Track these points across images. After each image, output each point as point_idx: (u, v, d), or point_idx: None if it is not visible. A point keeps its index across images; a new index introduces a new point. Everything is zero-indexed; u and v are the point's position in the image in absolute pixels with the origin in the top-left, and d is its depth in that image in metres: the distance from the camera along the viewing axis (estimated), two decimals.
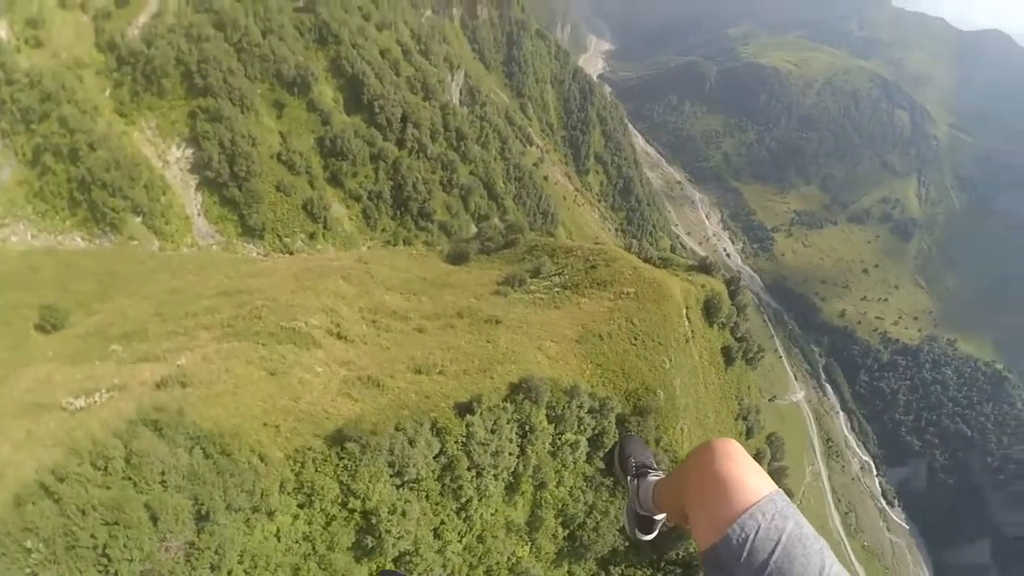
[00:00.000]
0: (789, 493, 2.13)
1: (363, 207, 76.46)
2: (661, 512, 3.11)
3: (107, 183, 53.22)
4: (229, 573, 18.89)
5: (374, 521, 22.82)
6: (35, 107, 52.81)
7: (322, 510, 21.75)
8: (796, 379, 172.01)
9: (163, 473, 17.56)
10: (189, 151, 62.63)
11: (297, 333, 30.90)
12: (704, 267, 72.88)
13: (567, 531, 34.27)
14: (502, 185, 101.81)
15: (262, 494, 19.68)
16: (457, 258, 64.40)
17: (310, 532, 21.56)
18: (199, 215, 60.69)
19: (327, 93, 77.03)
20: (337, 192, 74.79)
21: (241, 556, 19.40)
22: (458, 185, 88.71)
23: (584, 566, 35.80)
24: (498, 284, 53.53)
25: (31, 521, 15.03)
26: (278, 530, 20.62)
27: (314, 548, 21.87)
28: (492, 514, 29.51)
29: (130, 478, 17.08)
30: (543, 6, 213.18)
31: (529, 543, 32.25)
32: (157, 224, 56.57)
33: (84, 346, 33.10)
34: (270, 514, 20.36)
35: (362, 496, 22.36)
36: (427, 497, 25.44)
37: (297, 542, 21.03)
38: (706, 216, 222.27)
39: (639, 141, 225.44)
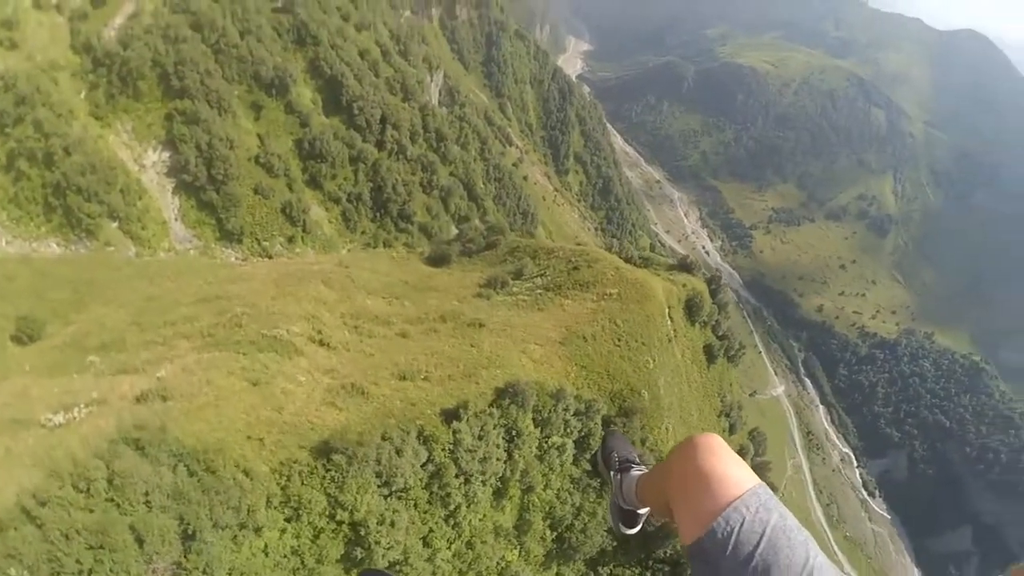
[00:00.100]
0: (772, 487, 2.17)
1: (342, 209, 75.89)
2: (644, 506, 3.14)
3: (83, 188, 52.19)
4: None
5: (363, 532, 22.59)
6: (9, 111, 51.65)
7: (310, 523, 21.45)
8: (776, 374, 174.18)
9: (147, 493, 17.19)
10: (166, 154, 61.57)
11: (278, 341, 30.49)
12: (685, 266, 73.40)
13: (555, 533, 34.26)
14: (482, 186, 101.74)
15: (249, 510, 19.36)
16: (438, 260, 64.14)
17: (298, 546, 21.26)
18: (176, 219, 59.72)
19: (305, 95, 76.30)
20: (316, 195, 74.14)
21: (229, 574, 19.10)
22: (438, 186, 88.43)
23: (573, 567, 35.82)
24: (480, 286, 53.38)
25: (14, 547, 14.63)
26: (266, 546, 20.31)
27: (303, 562, 21.57)
28: (480, 520, 29.41)
29: (113, 500, 16.71)
30: (522, 7, 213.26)
31: (518, 547, 32.20)
32: (134, 229, 55.57)
33: (61, 358, 32.40)
34: (257, 530, 20.04)
35: (350, 508, 22.11)
36: (415, 506, 25.25)
37: (285, 557, 20.73)
38: (685, 214, 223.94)
39: (618, 141, 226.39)
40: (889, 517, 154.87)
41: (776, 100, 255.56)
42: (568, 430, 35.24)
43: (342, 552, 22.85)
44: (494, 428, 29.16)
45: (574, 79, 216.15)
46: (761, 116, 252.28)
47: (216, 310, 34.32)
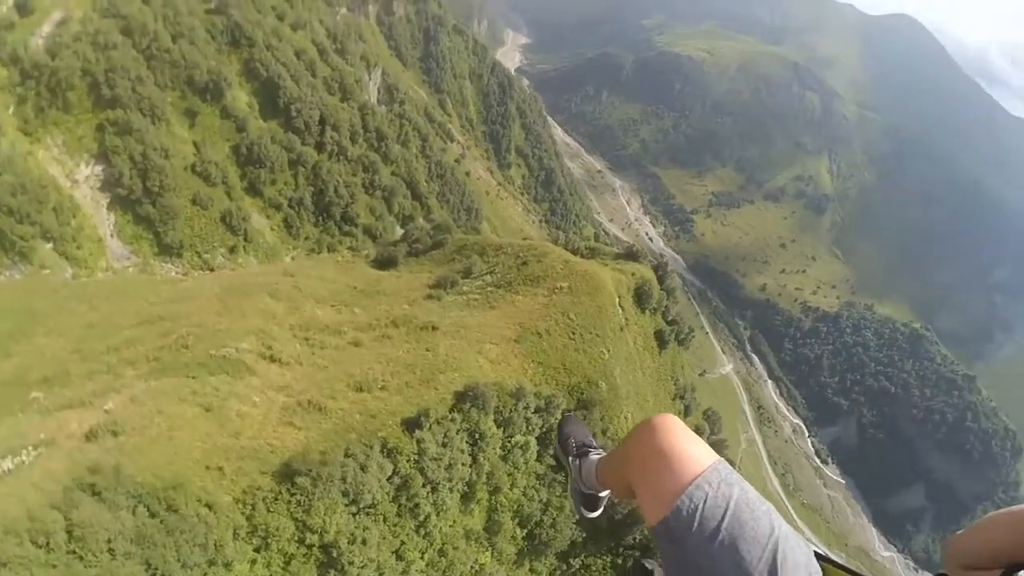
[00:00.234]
0: (730, 462, 2.24)
1: (284, 216, 74.14)
2: (605, 489, 3.16)
3: (14, 209, 49.37)
4: None
5: (335, 554, 22.20)
6: None
7: (280, 551, 20.93)
8: (724, 353, 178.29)
9: (109, 541, 16.39)
10: (98, 168, 58.73)
11: (228, 361, 29.55)
12: (631, 254, 74.48)
13: (525, 531, 34.52)
14: (425, 184, 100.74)
15: (216, 545, 18.75)
16: (385, 263, 63.31)
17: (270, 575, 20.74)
18: (112, 236, 57.07)
19: (241, 98, 74.02)
20: (256, 202, 72.20)
21: None
22: (381, 187, 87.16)
23: (545, 562, 36.18)
24: (430, 287, 52.97)
25: None
26: None
27: None
28: (451, 526, 29.33)
29: (75, 552, 15.87)
30: (460, 1, 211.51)
31: (490, 548, 32.29)
32: (69, 249, 52.91)
33: (2, 395, 30.60)
34: (227, 565, 19.45)
35: (319, 530, 21.67)
36: (385, 520, 24.96)
37: None
38: (627, 202, 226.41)
39: (558, 132, 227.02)
40: (843, 482, 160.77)
41: (713, 87, 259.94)
42: (530, 428, 35.47)
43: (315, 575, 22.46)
44: (457, 433, 29.09)
45: (513, 72, 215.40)
46: (699, 103, 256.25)
47: (160, 332, 32.99)
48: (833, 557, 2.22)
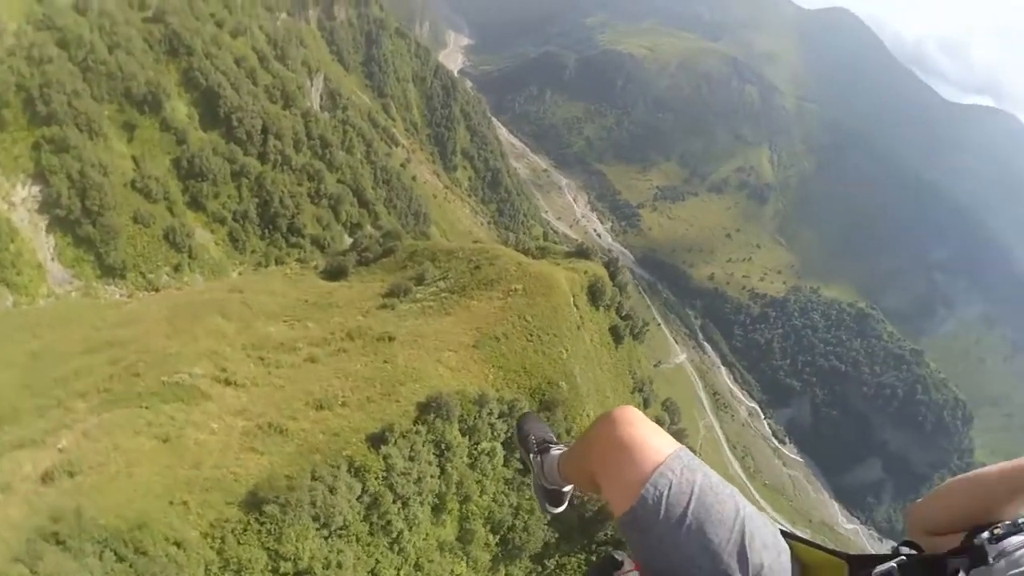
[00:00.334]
0: (692, 450, 2.31)
1: (229, 229, 72.40)
2: (568, 484, 3.19)
3: None
4: None
5: None
6: None
7: None
8: (676, 343, 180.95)
9: None
10: (36, 188, 55.92)
11: (181, 387, 28.66)
12: (582, 252, 75.40)
13: (498, 537, 34.55)
14: (372, 191, 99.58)
15: None
16: (335, 273, 62.18)
17: None
18: (53, 259, 54.45)
19: (180, 109, 71.91)
20: (199, 216, 70.31)
21: None
22: (327, 195, 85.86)
23: (520, 566, 36.27)
24: (383, 296, 52.34)
25: None
26: None
27: None
28: (424, 539, 29.14)
29: None
30: (401, 4, 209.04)
31: (464, 558, 32.22)
32: (8, 276, 50.23)
33: None
34: None
35: (292, 558, 21.24)
36: (358, 540, 24.63)
37: None
38: (574, 200, 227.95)
39: (503, 133, 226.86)
40: (802, 460, 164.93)
41: (655, 83, 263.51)
42: (495, 434, 35.54)
43: None
44: (423, 446, 28.96)
45: (456, 74, 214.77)
46: (641, 100, 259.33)
47: (109, 359, 31.71)
48: (798, 533, 2.27)
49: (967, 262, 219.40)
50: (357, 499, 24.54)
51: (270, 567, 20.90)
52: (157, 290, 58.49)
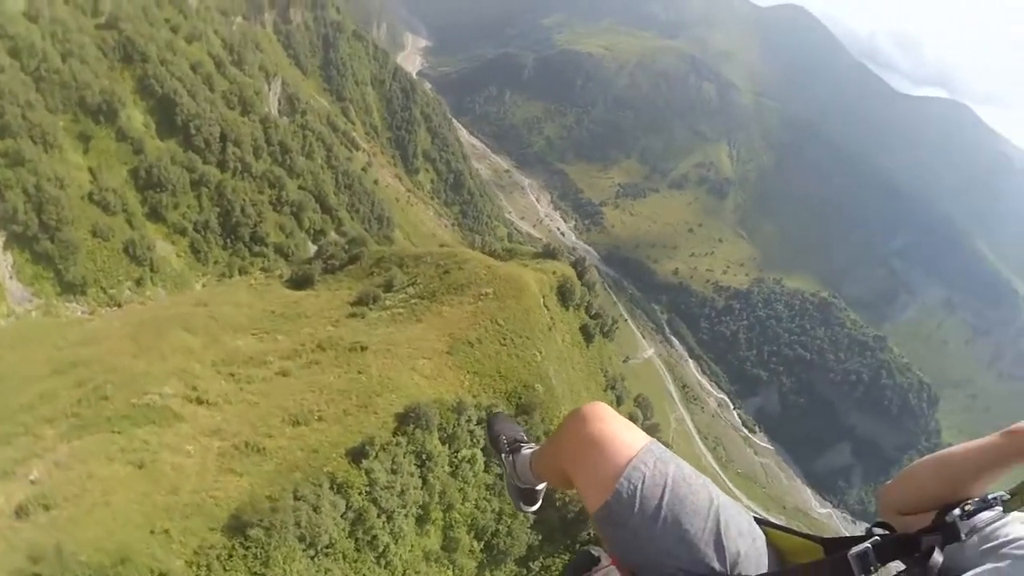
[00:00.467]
0: (666, 444, 2.34)
1: (190, 240, 70.66)
2: (541, 482, 3.19)
3: None
4: None
5: None
6: None
7: None
8: (644, 338, 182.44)
9: None
10: None
11: (152, 409, 27.83)
12: (549, 253, 75.84)
13: (482, 543, 34.45)
14: (334, 196, 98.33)
15: None
16: (301, 282, 61.29)
17: None
18: (11, 278, 52.09)
19: (137, 118, 69.95)
20: (160, 228, 68.46)
21: None
22: (289, 202, 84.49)
23: (505, 570, 36.20)
24: (352, 305, 51.81)
25: None
26: None
27: None
28: (410, 551, 28.86)
29: None
30: (358, 6, 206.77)
31: (450, 566, 32.04)
32: None
33: None
34: None
35: None
36: (344, 557, 24.27)
37: None
38: (536, 199, 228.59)
39: (464, 134, 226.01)
40: (772, 448, 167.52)
41: (613, 82, 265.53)
42: (475, 440, 35.45)
43: None
44: (404, 457, 28.70)
45: (415, 76, 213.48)
46: (600, 99, 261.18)
47: (75, 381, 30.60)
48: (772, 520, 2.29)
49: (925, 249, 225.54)
50: (342, 516, 24.21)
51: None
52: (120, 305, 56.68)
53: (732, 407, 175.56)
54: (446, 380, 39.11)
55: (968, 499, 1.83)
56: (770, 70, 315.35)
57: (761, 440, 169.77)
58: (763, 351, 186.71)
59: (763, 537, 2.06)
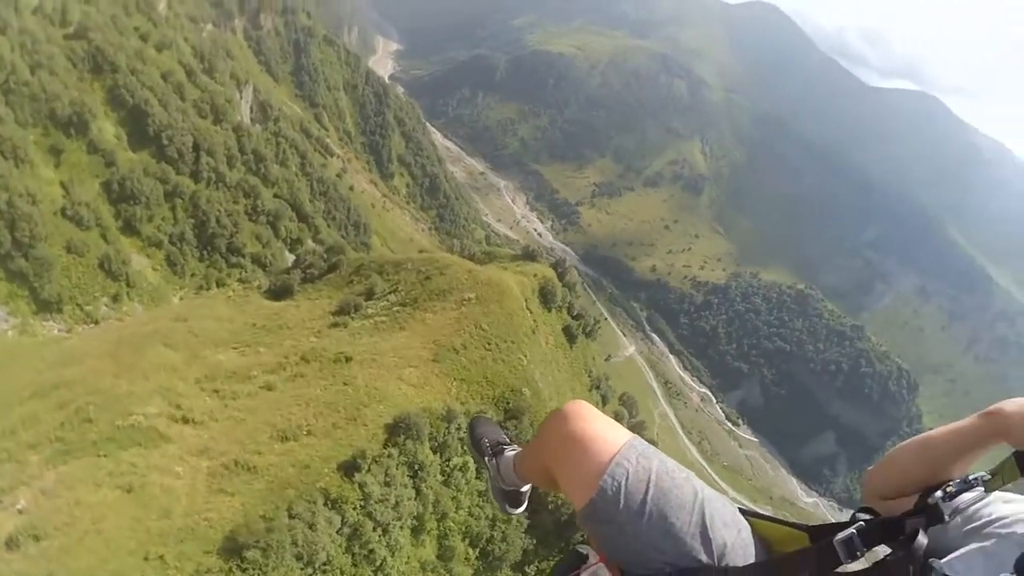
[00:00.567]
0: (652, 442, 2.37)
1: (166, 253, 69.73)
2: (525, 483, 3.18)
3: None
4: None
5: None
6: None
7: None
8: (624, 336, 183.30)
9: None
10: None
11: (137, 430, 27.28)
12: (529, 255, 75.99)
13: (478, 550, 34.35)
14: (310, 204, 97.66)
15: None
16: (280, 292, 60.51)
17: None
18: None
19: (108, 129, 68.85)
20: (135, 241, 67.45)
21: None
22: (264, 211, 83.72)
23: (502, 575, 36.18)
24: (333, 314, 51.30)
25: None
26: None
27: None
28: (406, 563, 28.68)
29: None
30: (328, 11, 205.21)
31: (447, 575, 31.94)
32: None
33: None
34: None
35: None
36: (342, 573, 24.05)
37: None
38: (512, 201, 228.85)
39: (438, 137, 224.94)
40: (756, 440, 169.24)
41: (586, 82, 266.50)
42: (465, 448, 35.36)
43: None
44: (397, 468, 28.55)
45: (387, 80, 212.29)
46: (573, 99, 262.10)
47: (56, 404, 29.88)
48: (758, 510, 2.30)
49: (898, 239, 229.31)
50: (337, 532, 24.01)
51: None
52: (97, 322, 55.63)
53: (715, 401, 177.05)
54: (433, 388, 38.99)
55: (949, 481, 1.86)
56: (740, 67, 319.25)
57: (745, 433, 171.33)
58: (743, 344, 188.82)
59: (748, 527, 2.07)
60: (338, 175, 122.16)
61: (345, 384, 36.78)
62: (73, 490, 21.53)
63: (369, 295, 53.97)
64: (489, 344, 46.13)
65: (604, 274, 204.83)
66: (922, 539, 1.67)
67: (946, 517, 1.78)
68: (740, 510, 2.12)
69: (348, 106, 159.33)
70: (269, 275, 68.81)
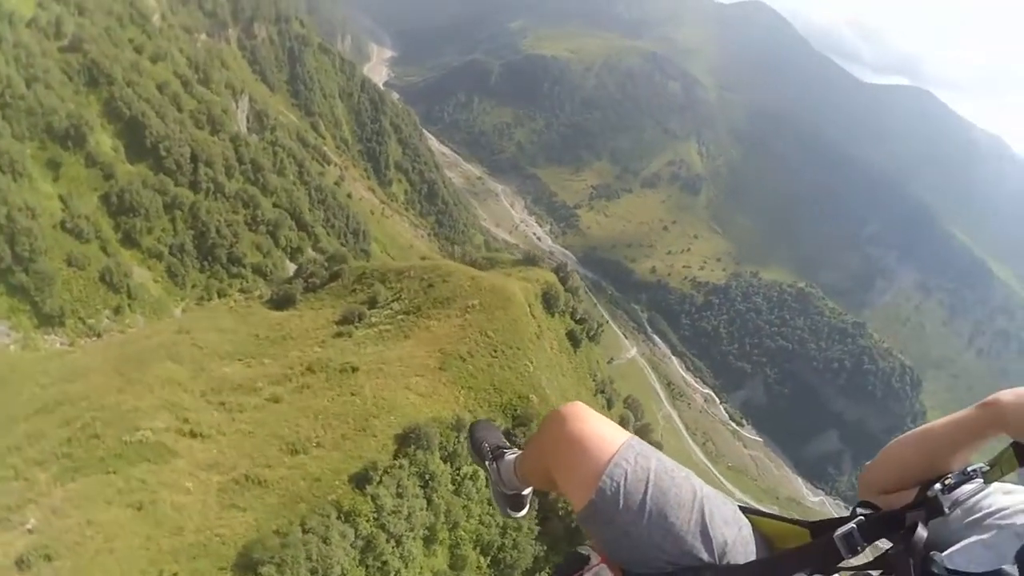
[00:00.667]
0: (657, 445, 2.34)
1: (167, 265, 69.60)
2: (527, 486, 3.15)
3: None
4: None
5: None
6: None
7: None
8: (626, 338, 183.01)
9: None
10: None
11: (146, 446, 26.92)
12: (530, 259, 75.90)
13: (489, 558, 34.04)
14: (309, 212, 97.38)
15: None
16: (282, 302, 60.12)
17: None
18: None
19: (105, 142, 68.68)
20: (135, 254, 67.29)
21: None
22: (264, 221, 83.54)
23: None
24: (337, 324, 51.02)
25: None
26: None
27: None
28: (419, 573, 28.38)
29: None
30: (321, 19, 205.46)
31: None
32: None
33: None
34: None
35: None
36: None
37: None
38: (511, 205, 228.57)
39: (434, 143, 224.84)
40: (760, 440, 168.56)
41: (581, 84, 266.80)
42: None
43: None
44: (409, 479, 28.24)
45: (383, 87, 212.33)
46: (568, 101, 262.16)
47: (62, 420, 29.49)
48: (761, 508, 2.29)
49: (898, 235, 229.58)
50: (351, 545, 23.70)
51: None
52: (99, 336, 55.33)
53: (718, 401, 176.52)
54: (441, 397, 38.76)
55: (948, 473, 1.84)
56: (734, 66, 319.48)
57: (749, 433, 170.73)
58: (745, 344, 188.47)
59: (749, 525, 2.05)
60: (336, 183, 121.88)
61: (352, 394, 36.49)
62: (83, 508, 21.17)
63: (372, 304, 53.71)
64: (495, 351, 45.90)
65: (604, 276, 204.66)
66: (922, 532, 1.67)
67: (946, 510, 1.75)
68: (740, 508, 2.10)
69: (344, 114, 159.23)
70: (271, 285, 68.60)
